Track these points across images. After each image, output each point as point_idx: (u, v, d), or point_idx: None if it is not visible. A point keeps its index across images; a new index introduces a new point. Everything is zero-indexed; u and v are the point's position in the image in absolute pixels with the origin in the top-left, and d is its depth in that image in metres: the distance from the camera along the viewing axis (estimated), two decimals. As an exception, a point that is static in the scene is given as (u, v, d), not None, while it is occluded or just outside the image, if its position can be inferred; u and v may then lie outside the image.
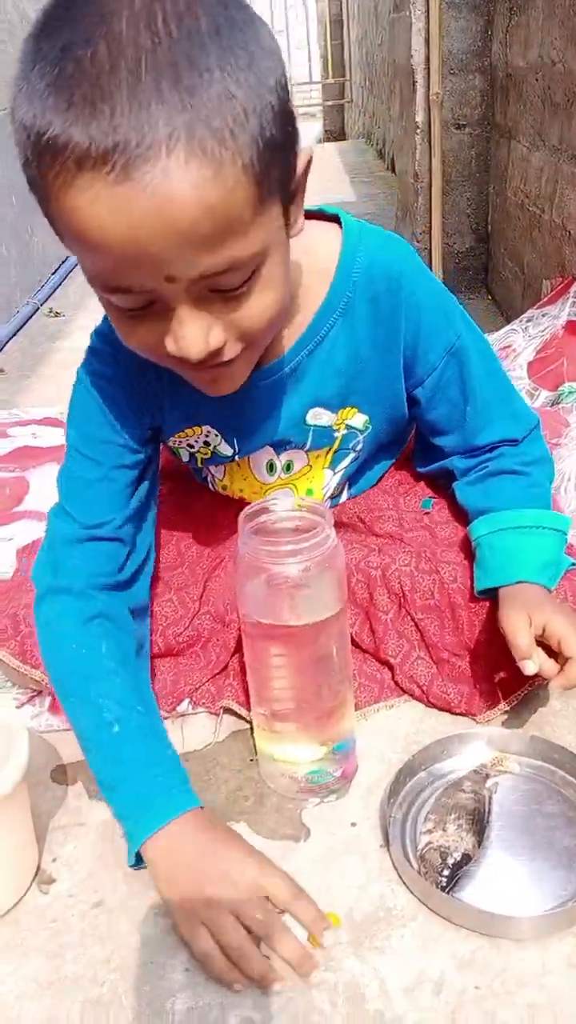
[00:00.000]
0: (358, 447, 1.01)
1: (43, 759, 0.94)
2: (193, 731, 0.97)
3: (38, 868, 0.82)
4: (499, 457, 0.99)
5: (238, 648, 0.98)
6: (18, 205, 2.89)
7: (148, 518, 0.96)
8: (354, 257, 0.88)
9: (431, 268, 2.63)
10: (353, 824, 0.84)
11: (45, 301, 2.96)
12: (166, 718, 0.97)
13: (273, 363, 0.90)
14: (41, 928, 0.77)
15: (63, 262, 3.34)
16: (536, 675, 0.83)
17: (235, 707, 0.96)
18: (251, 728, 0.91)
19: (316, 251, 0.88)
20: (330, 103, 8.02)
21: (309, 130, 8.06)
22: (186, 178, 0.59)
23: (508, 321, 1.99)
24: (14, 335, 2.63)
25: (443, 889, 0.74)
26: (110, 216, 0.60)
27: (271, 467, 1.01)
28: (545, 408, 1.54)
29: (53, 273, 3.22)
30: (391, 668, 0.99)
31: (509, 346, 1.83)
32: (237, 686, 0.96)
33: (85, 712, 0.83)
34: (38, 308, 2.88)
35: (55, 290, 3.11)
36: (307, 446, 0.99)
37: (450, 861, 0.76)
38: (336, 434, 0.98)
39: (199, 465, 1.03)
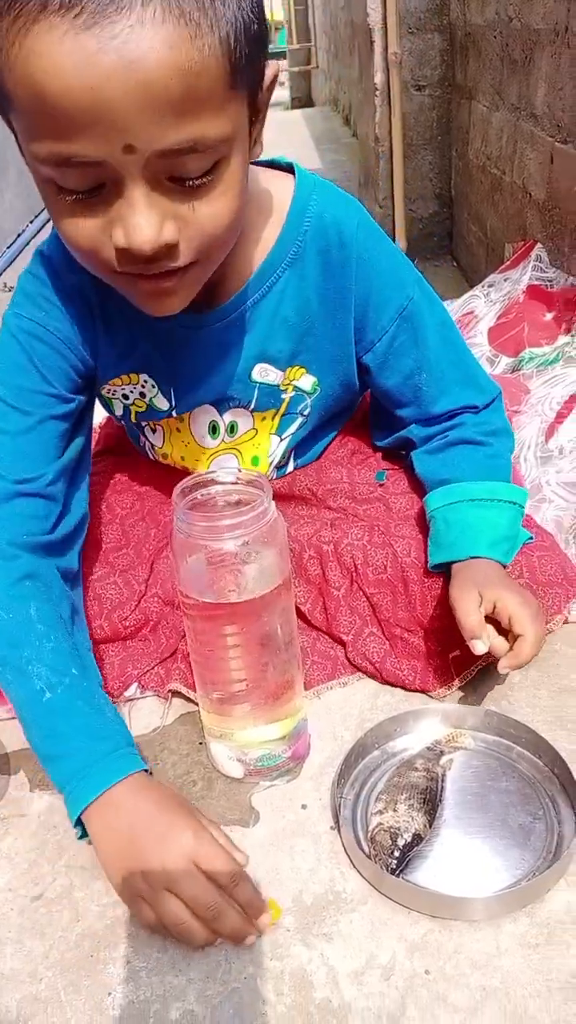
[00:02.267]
0: (306, 411, 0.98)
1: (-16, 748, 0.91)
2: (140, 715, 0.94)
3: (-24, 862, 0.79)
4: (460, 426, 0.96)
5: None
6: (-31, 176, 2.80)
7: (82, 478, 0.92)
8: (306, 206, 0.86)
9: (394, 235, 2.59)
10: (304, 806, 0.82)
11: (0, 275, 2.89)
12: (114, 703, 0.94)
13: (218, 308, 0.87)
14: (-21, 924, 0.74)
15: (19, 235, 3.26)
16: (487, 653, 0.81)
17: (184, 690, 0.93)
18: (199, 711, 0.88)
19: (268, 197, 0.86)
20: (296, 69, 7.89)
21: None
22: (160, 35, 0.56)
23: (472, 286, 1.95)
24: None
25: (394, 872, 0.72)
26: (73, 66, 0.56)
27: (214, 429, 0.98)
28: (505, 375, 1.51)
29: (8, 247, 3.14)
30: (343, 645, 0.96)
31: (471, 312, 1.79)
32: (185, 669, 0.93)
33: (16, 680, 0.78)
34: (-6, 282, 2.81)
35: (11, 264, 3.03)
36: (252, 405, 0.95)
37: (400, 842, 0.74)
38: (283, 395, 0.95)
39: (133, 421, 0.98)
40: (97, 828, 0.72)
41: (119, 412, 0.99)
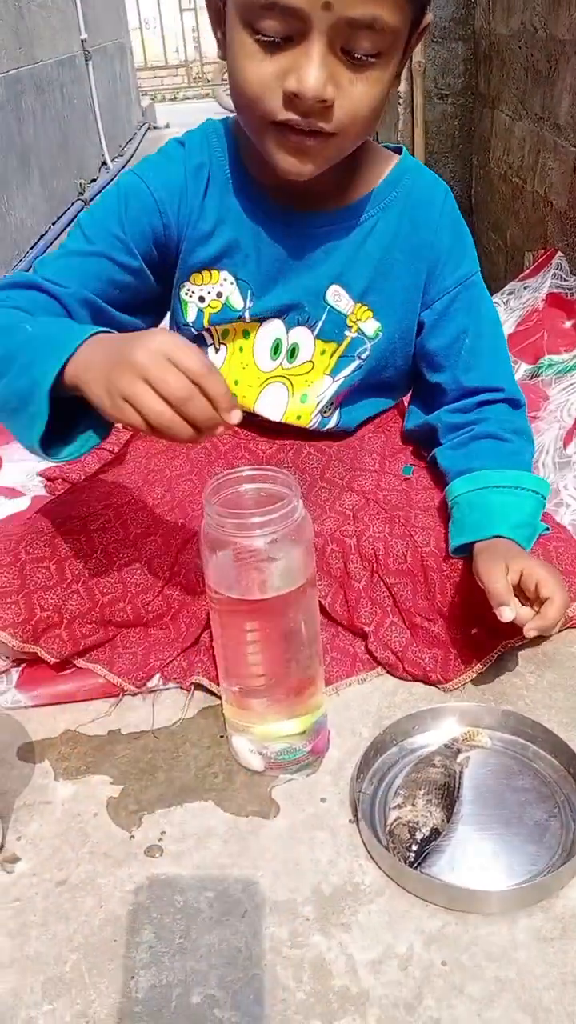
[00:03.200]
0: (364, 355, 1.03)
1: (9, 737, 0.92)
2: (163, 707, 0.95)
3: (2, 847, 0.81)
4: (485, 421, 1.01)
5: (210, 622, 0.96)
6: (-5, 177, 2.84)
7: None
8: (408, 168, 1.00)
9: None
10: (323, 800, 0.83)
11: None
12: (136, 693, 0.96)
13: (317, 213, 0.97)
14: (4, 907, 0.75)
15: (41, 237, 3.30)
16: (509, 634, 0.83)
17: (206, 683, 0.94)
18: (221, 704, 0.90)
19: (381, 152, 1.01)
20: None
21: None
22: None
23: (491, 294, 1.97)
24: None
25: (411, 864, 0.73)
26: None
27: (276, 349, 1.02)
28: (524, 382, 1.52)
29: (31, 248, 3.17)
30: (365, 637, 0.97)
31: (490, 319, 1.80)
32: (208, 661, 0.95)
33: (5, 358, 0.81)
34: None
35: (32, 265, 3.06)
36: (318, 329, 1.01)
37: (419, 836, 0.75)
38: (347, 333, 1.02)
39: (205, 325, 1.02)
40: (75, 367, 0.75)
41: (192, 317, 1.02)
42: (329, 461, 1.10)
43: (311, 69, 0.76)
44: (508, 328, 1.70)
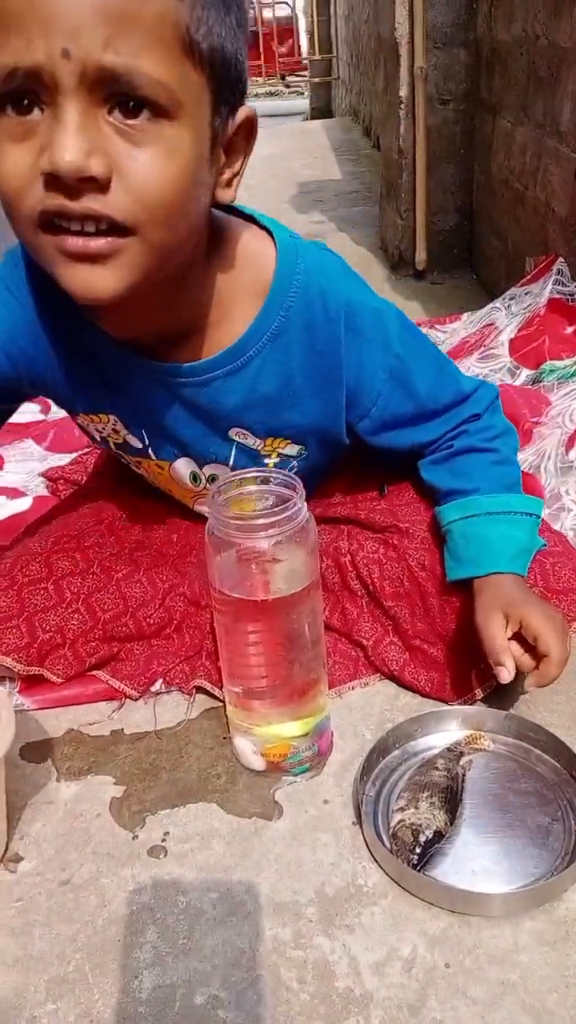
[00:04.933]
0: (294, 469, 0.97)
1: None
2: (165, 709, 0.95)
3: (6, 847, 0.81)
4: (463, 434, 0.97)
5: (212, 630, 0.96)
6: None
7: None
8: (290, 278, 0.83)
9: (415, 247, 2.61)
10: (326, 802, 0.83)
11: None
12: (138, 698, 0.96)
13: (190, 366, 0.85)
14: (8, 906, 0.75)
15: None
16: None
17: (208, 687, 0.94)
18: (224, 706, 0.90)
19: (250, 265, 0.83)
20: (316, 80, 7.93)
21: (296, 106, 8.00)
22: None
23: (491, 300, 1.97)
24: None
25: (415, 867, 0.74)
26: None
27: (195, 478, 0.98)
28: (526, 387, 1.53)
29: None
30: (364, 649, 0.97)
31: (492, 324, 1.81)
32: (210, 666, 0.95)
33: None
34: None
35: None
36: (231, 463, 0.94)
37: (422, 839, 0.75)
38: (267, 461, 0.94)
39: (114, 450, 0.99)
40: None
41: (98, 439, 0.98)
42: None
43: (62, 136, 0.60)
44: (509, 333, 1.71)
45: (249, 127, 0.72)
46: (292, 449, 0.94)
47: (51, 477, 1.37)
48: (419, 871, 0.73)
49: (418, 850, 0.75)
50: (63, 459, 1.46)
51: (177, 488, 1.01)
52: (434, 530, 0.96)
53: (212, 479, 0.98)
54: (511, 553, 0.89)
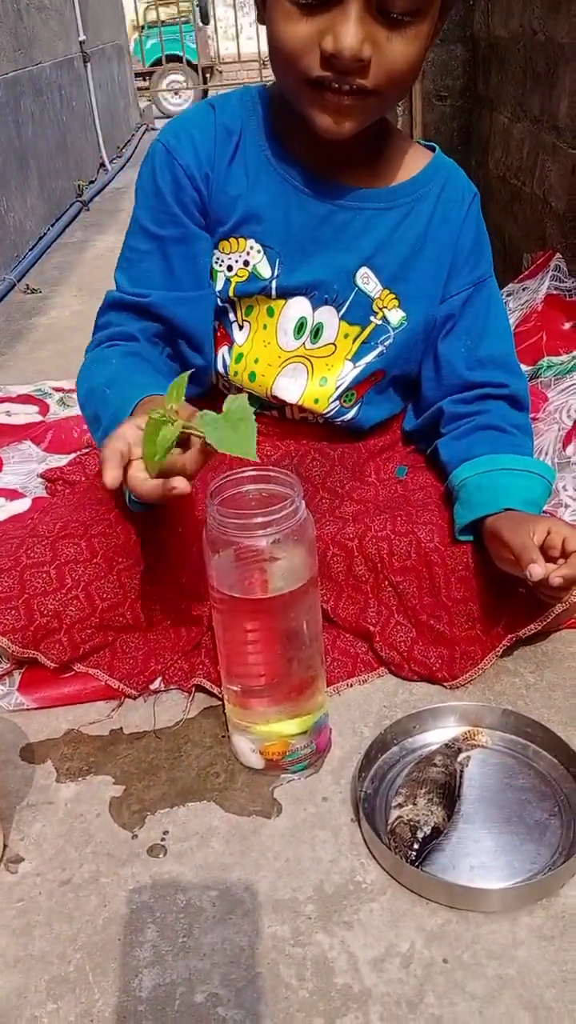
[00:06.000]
0: (387, 343, 1.04)
1: (12, 738, 0.93)
2: (164, 708, 0.96)
3: (5, 847, 0.81)
4: (487, 413, 1.02)
5: (210, 626, 0.97)
6: (-6, 179, 2.84)
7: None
8: (444, 163, 1.04)
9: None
10: (324, 799, 0.83)
11: (22, 278, 2.92)
12: (137, 697, 0.97)
13: (356, 190, 0.98)
14: (8, 906, 0.76)
15: (40, 238, 3.30)
16: (514, 628, 0.89)
17: (207, 685, 0.95)
18: (222, 705, 0.90)
19: (416, 144, 1.04)
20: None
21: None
22: None
23: (489, 296, 1.98)
24: (-9, 312, 2.60)
25: (413, 863, 0.74)
26: None
27: (300, 328, 1.03)
28: (524, 382, 1.53)
29: (30, 249, 3.17)
30: (371, 637, 0.98)
31: (489, 320, 1.81)
32: (209, 663, 0.95)
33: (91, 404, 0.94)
34: (14, 285, 2.84)
35: (32, 266, 3.06)
36: (344, 310, 1.02)
37: (420, 835, 0.75)
38: (372, 318, 1.03)
39: (231, 295, 1.03)
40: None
41: (219, 285, 1.03)
42: (332, 468, 1.10)
43: (348, 29, 0.79)
44: (507, 329, 1.70)
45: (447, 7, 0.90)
46: (396, 316, 1.04)
47: (50, 478, 1.37)
48: (417, 867, 0.74)
49: (416, 846, 0.75)
50: (62, 460, 1.45)
51: (269, 353, 1.04)
52: (442, 508, 1.00)
53: (317, 332, 1.03)
54: (525, 498, 0.92)
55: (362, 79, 0.83)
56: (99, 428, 0.91)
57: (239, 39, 8.84)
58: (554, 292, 1.72)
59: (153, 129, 6.85)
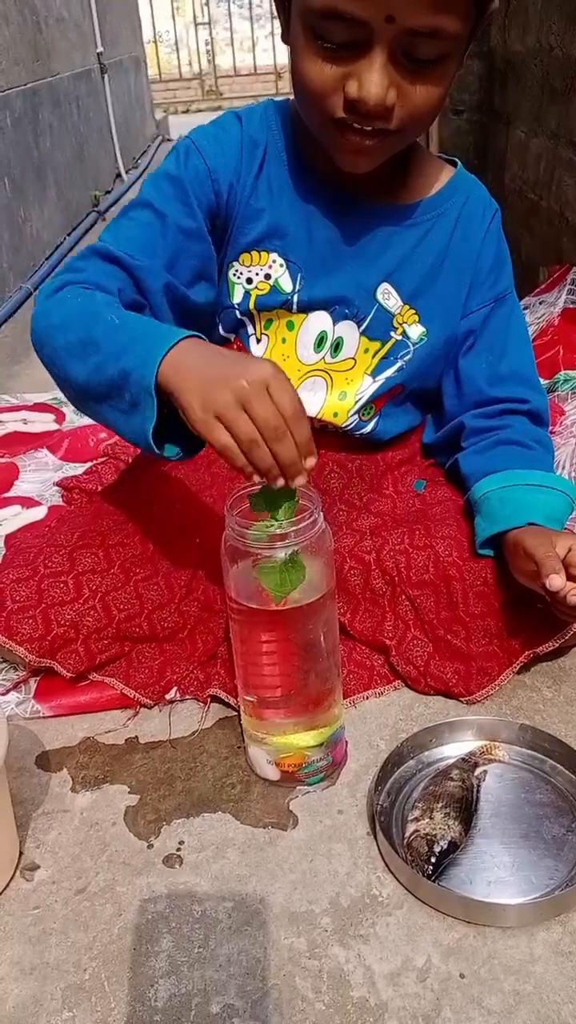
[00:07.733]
0: (407, 358, 1.05)
1: (27, 745, 0.93)
2: (179, 719, 0.96)
3: (21, 855, 0.81)
4: (509, 428, 1.02)
5: (227, 637, 0.97)
6: (11, 189, 2.86)
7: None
8: (465, 179, 1.04)
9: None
10: (340, 812, 0.83)
11: (38, 286, 2.94)
12: (152, 706, 0.97)
13: (380, 205, 0.99)
14: (24, 914, 0.76)
15: (57, 247, 3.32)
16: (532, 644, 0.89)
17: (223, 695, 0.95)
18: (238, 715, 0.91)
19: (437, 159, 1.05)
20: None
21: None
22: None
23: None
24: (6, 320, 2.61)
25: (429, 877, 0.74)
26: None
27: (320, 341, 1.03)
28: (540, 396, 1.53)
29: (47, 258, 3.19)
30: (387, 651, 0.98)
31: (505, 334, 1.81)
32: (224, 674, 0.96)
33: (85, 352, 0.82)
34: (31, 294, 2.86)
35: (48, 276, 3.08)
36: (364, 325, 1.02)
37: (437, 849, 0.75)
38: (393, 334, 1.04)
39: (251, 308, 1.02)
40: (173, 367, 0.76)
41: (238, 299, 1.02)
42: (350, 480, 1.10)
43: (373, 77, 0.79)
44: (523, 343, 1.71)
45: (491, 14, 0.87)
46: (415, 331, 1.04)
47: (66, 486, 1.38)
48: (434, 881, 0.73)
49: (433, 860, 0.75)
50: (78, 469, 1.46)
51: (289, 366, 1.03)
52: (461, 522, 0.99)
53: (337, 346, 1.03)
54: (548, 514, 0.92)
55: (386, 123, 0.83)
56: (105, 353, 0.81)
57: (255, 51, 8.90)
58: (571, 306, 1.72)
59: (169, 139, 6.89)
